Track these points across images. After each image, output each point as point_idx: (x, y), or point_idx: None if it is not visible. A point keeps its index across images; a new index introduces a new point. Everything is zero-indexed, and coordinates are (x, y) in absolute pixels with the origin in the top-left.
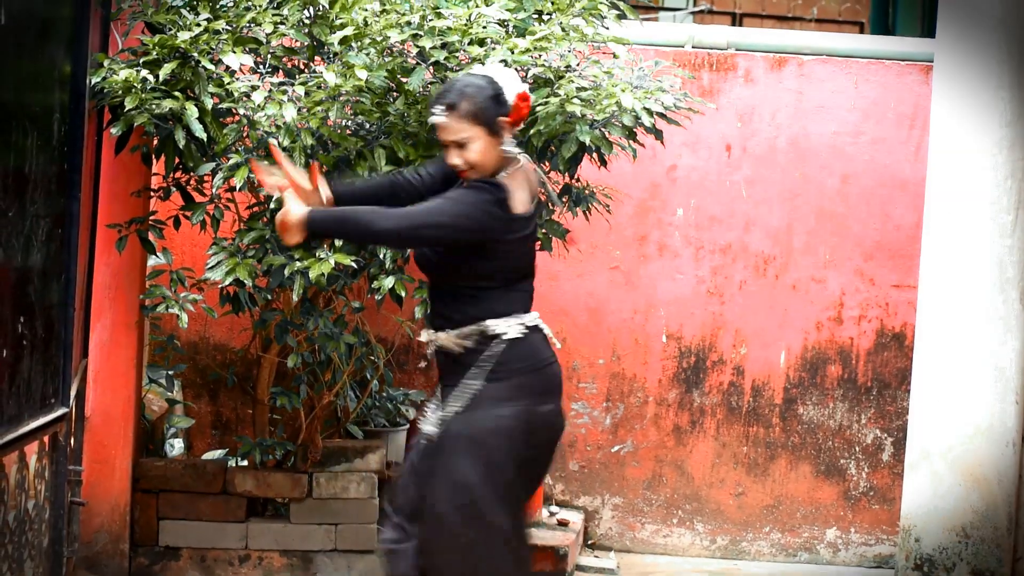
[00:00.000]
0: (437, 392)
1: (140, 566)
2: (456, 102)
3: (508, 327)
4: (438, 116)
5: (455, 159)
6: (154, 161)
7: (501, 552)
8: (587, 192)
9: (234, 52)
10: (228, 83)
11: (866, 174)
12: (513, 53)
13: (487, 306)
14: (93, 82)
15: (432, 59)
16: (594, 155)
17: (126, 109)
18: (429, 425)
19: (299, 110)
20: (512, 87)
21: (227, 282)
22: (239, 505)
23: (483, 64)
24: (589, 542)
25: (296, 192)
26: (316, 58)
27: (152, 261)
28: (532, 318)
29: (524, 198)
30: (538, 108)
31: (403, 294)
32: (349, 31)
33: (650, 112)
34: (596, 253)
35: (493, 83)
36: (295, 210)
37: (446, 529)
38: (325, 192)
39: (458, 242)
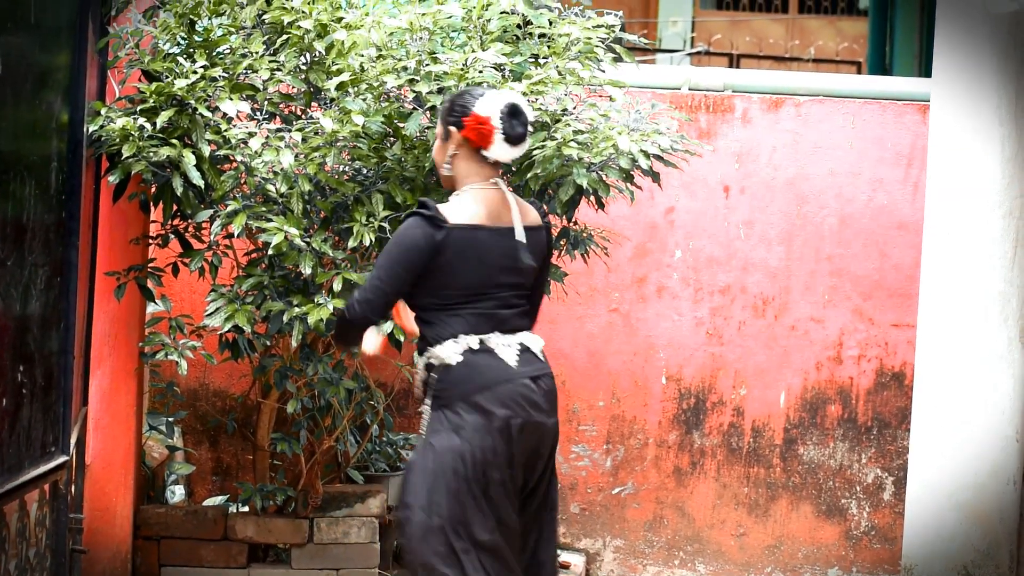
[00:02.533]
0: None
1: None
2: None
3: (444, 352)
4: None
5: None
6: (152, 208)
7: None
8: (585, 235)
9: (231, 99)
10: (225, 130)
11: (864, 214)
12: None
13: (432, 331)
14: (91, 130)
15: (429, 104)
16: (591, 198)
17: (124, 157)
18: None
19: (296, 156)
20: (487, 108)
21: (226, 328)
22: (240, 551)
23: None
24: None
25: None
26: (313, 104)
27: (151, 308)
28: (476, 340)
29: (470, 212)
30: (535, 152)
31: (402, 339)
32: (346, 77)
33: (647, 154)
34: (595, 296)
35: (472, 96)
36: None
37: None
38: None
39: (405, 280)
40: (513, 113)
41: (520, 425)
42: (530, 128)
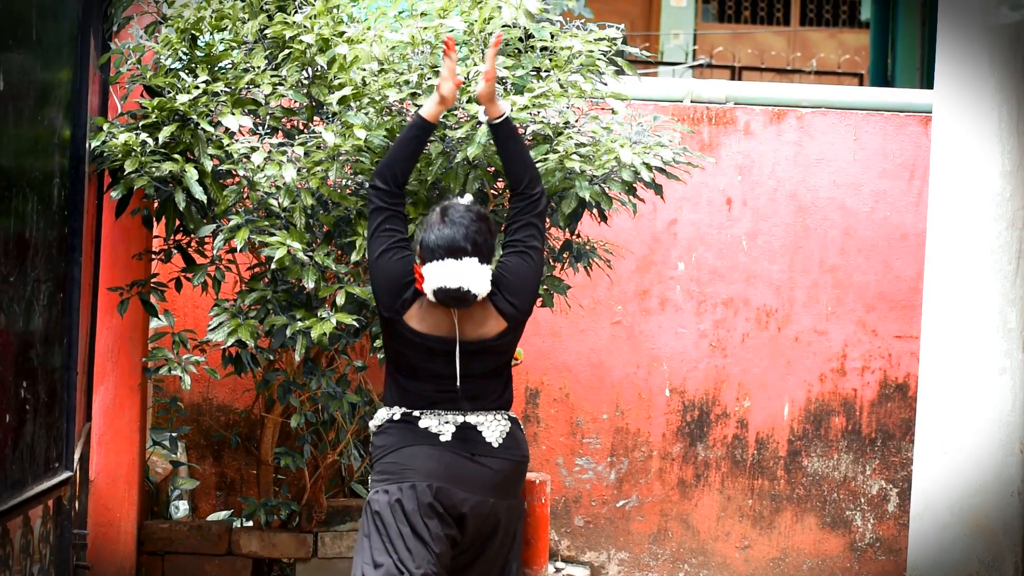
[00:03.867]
0: None
1: None
2: None
3: (377, 418)
4: None
5: None
6: (155, 224)
7: None
8: (588, 248)
9: (233, 114)
10: (227, 145)
11: (867, 225)
12: (511, 110)
13: (384, 390)
14: (93, 146)
15: None
16: (594, 211)
17: (126, 172)
18: None
19: (299, 170)
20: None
21: (229, 343)
22: (244, 566)
23: (481, 123)
24: None
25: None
26: (315, 118)
27: (154, 323)
28: (399, 411)
29: (428, 322)
30: (537, 165)
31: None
32: (348, 91)
33: (649, 167)
34: (598, 308)
35: (433, 243)
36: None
37: None
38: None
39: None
40: (447, 297)
41: (425, 488)
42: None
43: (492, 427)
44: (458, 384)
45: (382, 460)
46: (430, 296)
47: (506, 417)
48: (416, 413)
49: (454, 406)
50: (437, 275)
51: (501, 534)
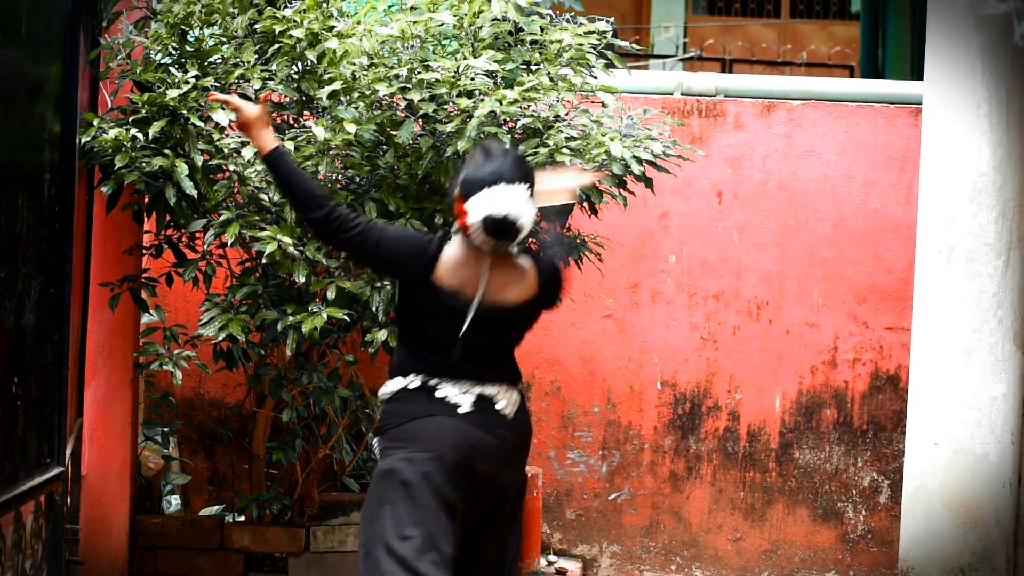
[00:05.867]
0: None
1: None
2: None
3: (390, 386)
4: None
5: None
6: (145, 219)
7: None
8: (579, 241)
9: (223, 109)
10: (218, 140)
11: (857, 217)
12: (501, 104)
13: (395, 360)
14: (83, 141)
15: (421, 112)
16: (585, 204)
17: (116, 168)
18: None
19: None
20: (475, 205)
21: (220, 338)
22: (237, 561)
23: (472, 116)
24: None
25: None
26: (305, 113)
27: (145, 319)
28: (418, 380)
29: (459, 276)
30: (528, 158)
31: None
32: (338, 85)
33: (640, 160)
34: (589, 302)
35: (479, 179)
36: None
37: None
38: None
39: (371, 260)
40: (494, 227)
41: (436, 457)
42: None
43: (506, 399)
44: (466, 342)
45: (400, 427)
46: (474, 231)
47: (517, 389)
48: (433, 382)
49: (472, 376)
50: (484, 203)
51: (508, 508)
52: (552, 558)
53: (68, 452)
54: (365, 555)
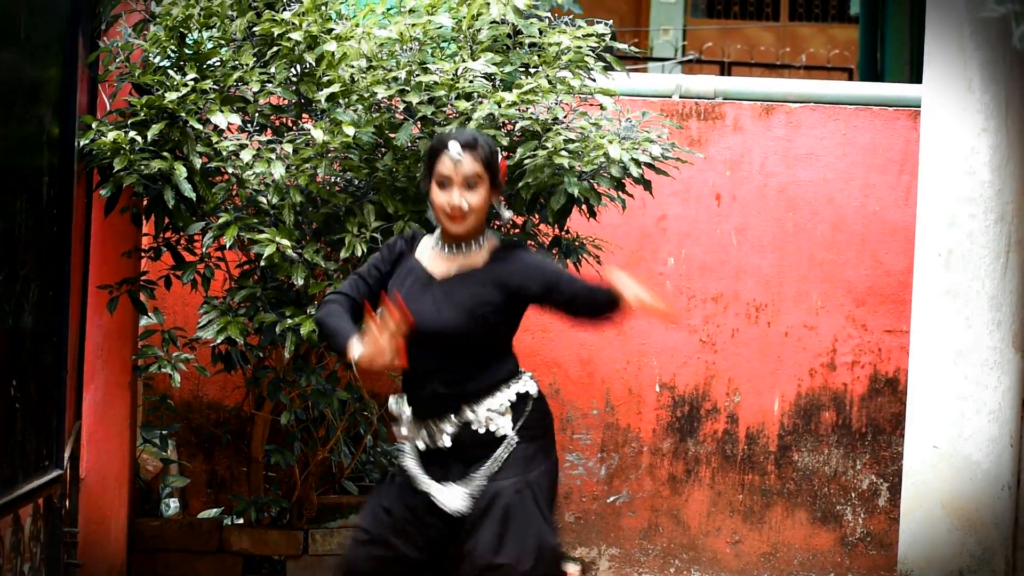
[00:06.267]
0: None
1: None
2: (474, 143)
3: (533, 385)
4: (458, 151)
5: (458, 199)
6: (144, 221)
7: None
8: (577, 244)
9: (222, 111)
10: (216, 142)
11: (856, 220)
12: (500, 107)
13: (513, 363)
14: (82, 144)
15: (419, 114)
16: (583, 207)
17: (115, 170)
18: (456, 499)
19: (287, 168)
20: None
21: (219, 341)
22: (236, 563)
23: (470, 119)
24: None
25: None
26: (304, 115)
27: (144, 321)
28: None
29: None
30: (526, 161)
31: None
32: (336, 88)
33: (638, 163)
34: None
35: (492, 142)
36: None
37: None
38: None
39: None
40: None
41: None
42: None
43: None
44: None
45: (552, 427)
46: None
47: None
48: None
49: None
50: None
51: None
52: None
53: (67, 455)
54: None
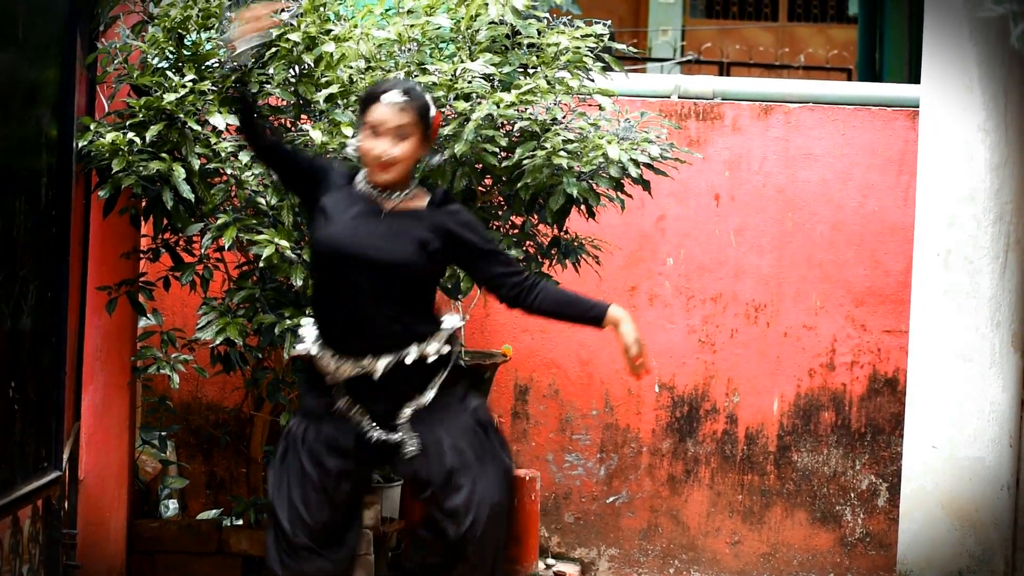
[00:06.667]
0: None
1: None
2: (411, 94)
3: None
4: (395, 99)
5: (387, 147)
6: (142, 223)
7: None
8: (576, 244)
9: (220, 112)
10: (215, 143)
11: (855, 220)
12: (499, 107)
13: (432, 320)
14: (80, 145)
15: None
16: (582, 207)
17: (113, 172)
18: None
19: None
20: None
21: (218, 342)
22: (235, 564)
23: (469, 120)
24: None
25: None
26: (302, 116)
27: (142, 322)
28: None
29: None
30: (525, 161)
31: None
32: (335, 89)
33: (637, 163)
34: None
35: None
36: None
37: (500, 517)
38: None
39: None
40: None
41: None
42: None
43: None
44: None
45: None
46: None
47: None
48: None
49: None
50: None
51: None
52: (550, 561)
53: (65, 456)
54: None
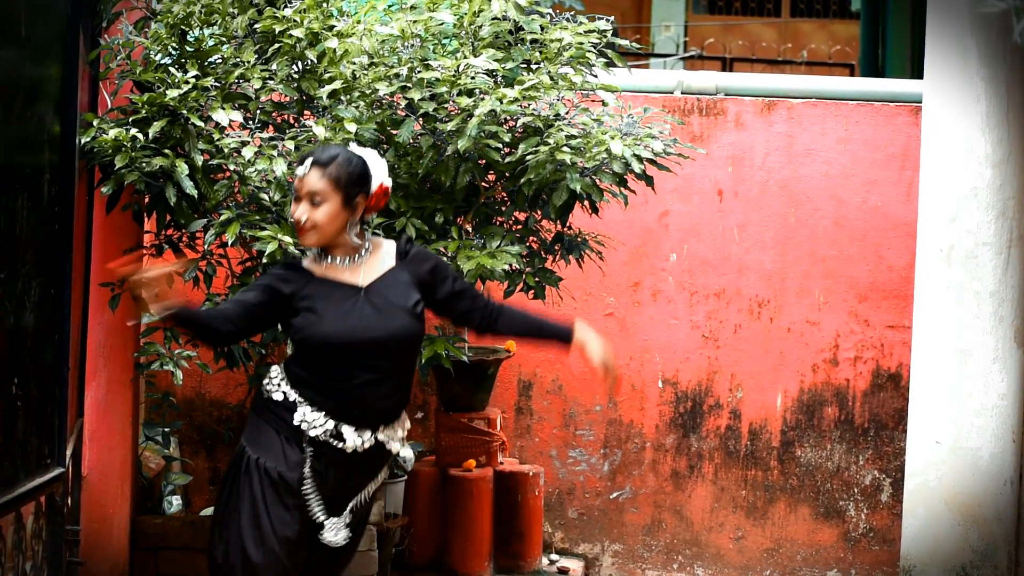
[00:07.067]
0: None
1: None
2: (327, 162)
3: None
4: (304, 168)
5: (302, 213)
6: (146, 219)
7: None
8: (579, 240)
9: (223, 108)
10: (218, 139)
11: (858, 216)
12: (502, 103)
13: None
14: (83, 142)
15: (421, 111)
16: (585, 203)
17: (116, 168)
18: (342, 531)
19: (289, 164)
20: (380, 176)
21: None
22: None
23: (472, 115)
24: None
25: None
26: (305, 112)
27: (146, 318)
28: None
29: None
30: (528, 157)
31: None
32: (338, 85)
33: (640, 159)
34: (590, 300)
35: (364, 163)
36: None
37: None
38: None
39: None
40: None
41: None
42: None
43: None
44: None
45: None
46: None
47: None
48: None
49: None
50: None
51: None
52: (554, 557)
53: (69, 453)
54: None
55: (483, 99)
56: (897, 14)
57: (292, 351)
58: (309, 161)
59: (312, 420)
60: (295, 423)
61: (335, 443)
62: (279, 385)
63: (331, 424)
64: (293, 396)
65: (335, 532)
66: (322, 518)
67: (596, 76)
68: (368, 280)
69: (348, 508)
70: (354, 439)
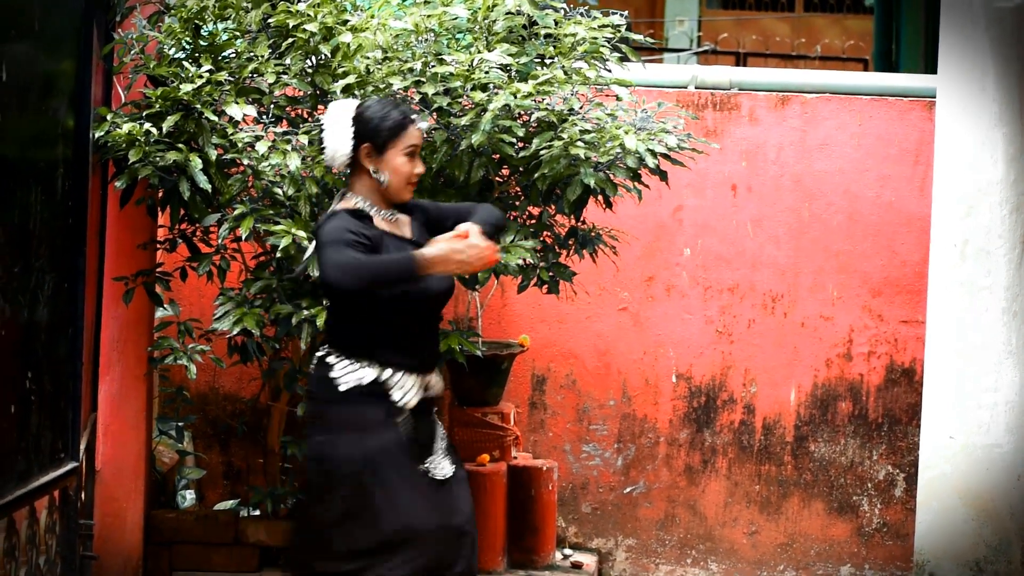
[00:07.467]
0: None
1: None
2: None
3: None
4: (424, 123)
5: (420, 167)
6: (159, 213)
7: None
8: (593, 234)
9: (237, 103)
10: (232, 134)
11: (872, 211)
12: (516, 97)
13: None
14: (96, 136)
15: (435, 105)
16: (599, 197)
17: (130, 162)
18: (446, 466)
19: (303, 159)
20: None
21: (235, 332)
22: (252, 555)
23: (486, 110)
24: None
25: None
26: (319, 107)
27: (159, 313)
28: None
29: None
30: (542, 152)
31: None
32: (351, 79)
33: (654, 153)
34: (604, 295)
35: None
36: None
37: None
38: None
39: None
40: None
41: None
42: None
43: None
44: None
45: None
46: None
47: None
48: None
49: None
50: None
51: None
52: (567, 551)
53: (82, 447)
54: None
55: (497, 94)
56: (910, 9)
57: (347, 329)
58: (416, 116)
59: (407, 388)
60: (394, 400)
61: (426, 394)
62: (357, 369)
63: (419, 381)
64: (384, 374)
65: (441, 467)
66: (432, 466)
67: (610, 71)
68: (409, 234)
69: (437, 442)
70: (436, 383)
